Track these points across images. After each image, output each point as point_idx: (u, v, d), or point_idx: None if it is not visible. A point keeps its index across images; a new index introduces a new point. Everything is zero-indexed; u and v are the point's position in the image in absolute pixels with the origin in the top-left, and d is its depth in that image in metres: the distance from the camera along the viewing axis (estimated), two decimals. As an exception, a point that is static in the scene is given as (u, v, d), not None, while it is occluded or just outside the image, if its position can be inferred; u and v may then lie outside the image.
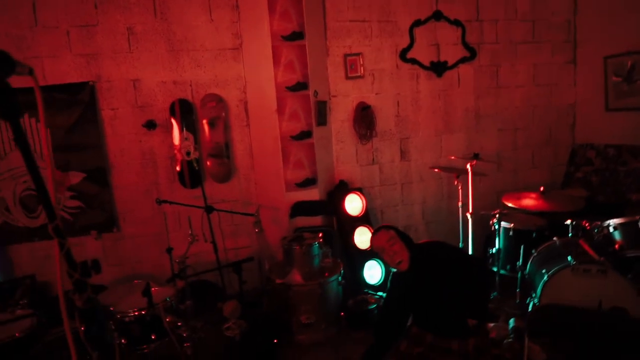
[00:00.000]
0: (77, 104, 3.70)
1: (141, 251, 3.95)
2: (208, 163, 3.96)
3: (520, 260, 3.45)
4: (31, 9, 3.58)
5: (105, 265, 3.92)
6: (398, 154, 4.45)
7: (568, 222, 3.19)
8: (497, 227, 3.43)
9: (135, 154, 3.88)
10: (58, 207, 3.75)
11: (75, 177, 3.76)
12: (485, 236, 4.07)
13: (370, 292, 3.69)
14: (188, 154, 3.86)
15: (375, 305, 3.39)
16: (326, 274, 3.30)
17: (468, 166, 3.31)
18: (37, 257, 3.77)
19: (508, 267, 3.61)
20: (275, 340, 3.02)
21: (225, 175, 4.01)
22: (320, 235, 3.40)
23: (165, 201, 3.33)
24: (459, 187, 3.72)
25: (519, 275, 3.46)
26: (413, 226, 4.57)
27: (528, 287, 3.35)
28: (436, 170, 3.77)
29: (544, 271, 3.01)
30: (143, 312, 2.17)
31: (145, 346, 2.16)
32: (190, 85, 3.92)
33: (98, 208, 3.83)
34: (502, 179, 4.72)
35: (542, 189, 3.17)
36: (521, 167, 4.79)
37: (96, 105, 3.76)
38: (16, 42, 3.59)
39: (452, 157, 3.48)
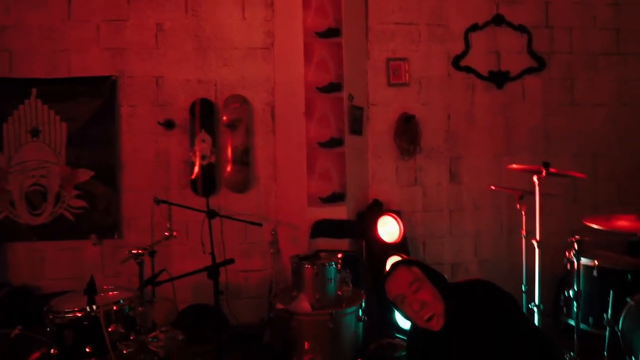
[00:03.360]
0: (97, 98, 3.50)
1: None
2: (225, 169, 3.54)
3: (610, 312, 2.54)
4: (67, 2, 3.53)
5: (101, 276, 3.52)
6: (446, 176, 3.76)
7: (681, 262, 2.30)
8: (575, 263, 2.58)
9: (149, 154, 3.57)
10: (62, 206, 3.46)
11: (84, 175, 3.49)
12: (557, 281, 3.18)
13: (400, 336, 2.91)
14: (204, 157, 3.48)
15: (405, 353, 2.61)
16: (343, 305, 2.62)
17: (535, 179, 2.57)
18: (33, 258, 3.46)
19: (590, 319, 2.69)
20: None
21: (243, 184, 3.55)
22: (340, 255, 2.76)
23: (164, 201, 2.91)
24: (523, 212, 2.94)
25: (607, 331, 2.53)
26: (463, 265, 3.76)
27: (623, 348, 2.42)
28: (493, 187, 3.04)
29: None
30: (79, 315, 1.65)
31: (79, 361, 1.62)
32: (215, 85, 3.61)
33: (103, 210, 3.49)
34: (578, 215, 3.78)
35: (642, 210, 2.35)
36: (603, 202, 3.86)
37: (115, 100, 3.54)
38: (47, 34, 3.52)
39: (514, 166, 2.75)
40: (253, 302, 3.50)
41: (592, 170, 3.89)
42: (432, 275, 1.64)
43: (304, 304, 2.55)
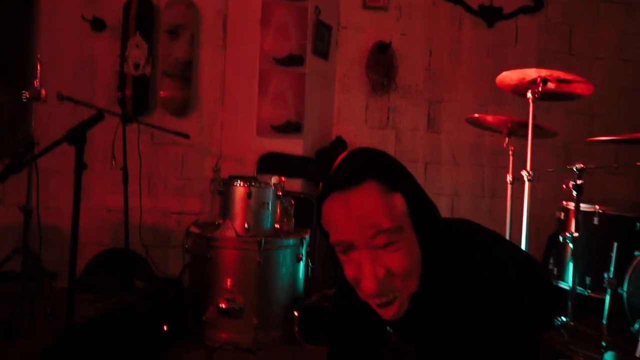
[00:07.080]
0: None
1: (53, 193, 2.87)
2: (162, 85, 2.95)
3: (612, 269, 2.06)
4: None
5: (3, 208, 2.90)
6: (424, 121, 3.25)
7: None
8: (575, 201, 2.09)
9: (72, 59, 2.96)
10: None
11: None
12: (546, 240, 2.71)
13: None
14: (136, 66, 2.88)
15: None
16: (281, 237, 2.06)
17: (529, 94, 2.06)
18: None
19: (587, 280, 2.20)
20: (165, 328, 1.78)
21: (182, 104, 2.96)
22: (284, 180, 2.20)
23: (69, 98, 2.29)
24: (510, 152, 2.47)
25: (608, 294, 2.05)
26: (435, 224, 3.25)
27: (627, 313, 1.94)
28: (477, 115, 2.52)
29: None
30: None
31: None
32: (158, -16, 3.01)
33: (7, 126, 2.85)
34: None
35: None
36: (597, 168, 3.41)
37: (34, -10, 2.91)
38: None
39: (507, 73, 2.20)
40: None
41: (588, 131, 3.44)
42: (423, 215, 0.78)
43: (227, 231, 1.98)
